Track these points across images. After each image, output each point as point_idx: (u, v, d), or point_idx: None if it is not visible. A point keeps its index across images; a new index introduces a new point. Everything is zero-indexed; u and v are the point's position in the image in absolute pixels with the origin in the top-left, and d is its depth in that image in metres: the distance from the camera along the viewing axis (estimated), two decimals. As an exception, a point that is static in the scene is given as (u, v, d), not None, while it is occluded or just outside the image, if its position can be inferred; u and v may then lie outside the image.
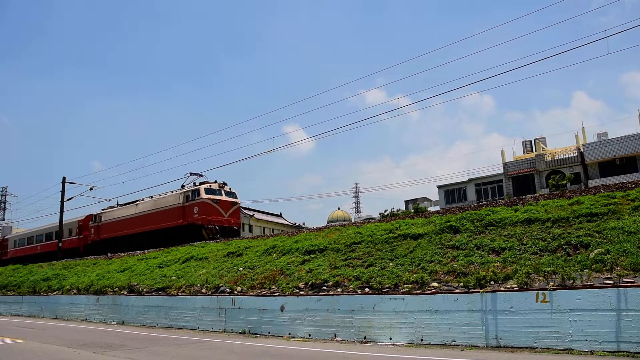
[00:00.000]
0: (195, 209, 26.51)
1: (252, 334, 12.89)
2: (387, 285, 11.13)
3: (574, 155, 36.91)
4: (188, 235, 26.03)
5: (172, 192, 29.90)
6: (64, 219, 35.78)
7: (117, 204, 35.14)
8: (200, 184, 27.99)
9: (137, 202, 31.75)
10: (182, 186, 29.27)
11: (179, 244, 24.23)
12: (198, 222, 26.31)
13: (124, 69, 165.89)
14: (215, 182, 28.12)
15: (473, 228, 12.20)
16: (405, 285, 10.88)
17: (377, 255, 12.74)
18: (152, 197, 31.48)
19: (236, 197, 28.86)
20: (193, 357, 9.63)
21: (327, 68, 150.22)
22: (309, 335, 11.69)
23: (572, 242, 9.97)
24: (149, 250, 25.60)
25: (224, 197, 27.75)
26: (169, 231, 27.65)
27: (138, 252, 25.91)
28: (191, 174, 29.32)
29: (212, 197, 27.16)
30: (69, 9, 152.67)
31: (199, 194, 26.98)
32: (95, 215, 35.62)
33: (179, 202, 27.77)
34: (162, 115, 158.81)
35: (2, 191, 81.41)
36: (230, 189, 28.64)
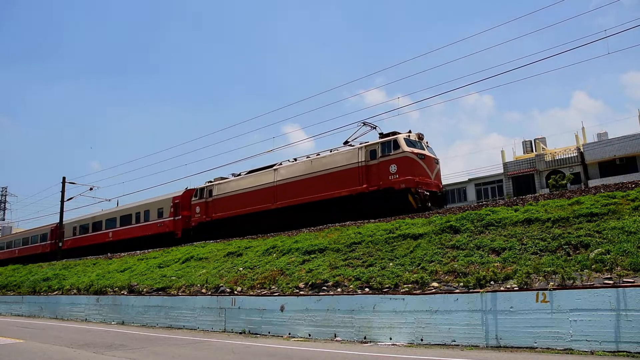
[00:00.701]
0: (393, 168, 18.66)
1: (252, 334, 12.89)
2: (387, 285, 11.13)
3: (574, 155, 36.91)
4: (377, 205, 18.79)
5: (330, 151, 21.65)
6: (159, 197, 30.08)
7: (232, 175, 26.53)
8: (385, 135, 20.12)
9: (275, 167, 23.40)
10: (346, 142, 21.62)
11: (358, 218, 18.24)
12: (399, 186, 18.31)
13: (124, 69, 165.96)
14: (410, 131, 19.93)
15: (473, 228, 12.20)
16: (405, 285, 10.89)
17: (377, 255, 12.75)
18: (295, 160, 23.22)
19: (435, 154, 20.71)
20: (193, 357, 9.64)
21: (327, 68, 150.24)
22: (309, 335, 11.69)
23: (572, 242, 9.97)
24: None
25: (427, 152, 19.72)
26: (340, 202, 19.98)
27: (138, 252, 25.90)
28: (364, 123, 21.58)
29: (415, 150, 19.03)
30: (69, 9, 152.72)
31: (397, 147, 18.84)
32: (202, 188, 26.96)
33: (359, 160, 19.75)
34: (162, 115, 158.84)
35: (2, 191, 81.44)
36: (427, 142, 20.49)
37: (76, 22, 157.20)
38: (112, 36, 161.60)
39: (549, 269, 9.26)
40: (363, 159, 19.75)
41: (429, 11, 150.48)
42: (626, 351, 7.59)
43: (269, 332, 12.56)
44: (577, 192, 13.17)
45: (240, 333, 13.14)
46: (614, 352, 7.68)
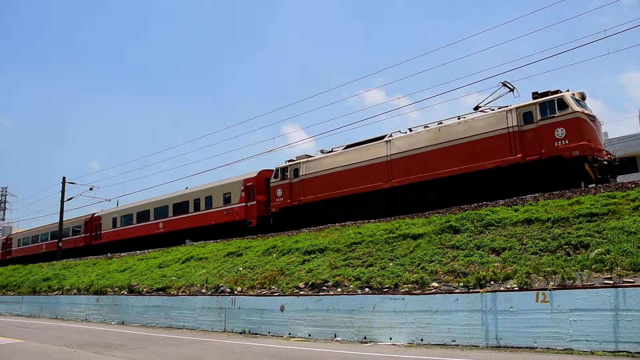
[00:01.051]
0: (559, 132, 15.23)
1: (252, 334, 12.90)
2: (387, 285, 11.14)
3: (574, 155, 36.77)
4: (537, 178, 15.56)
5: (458, 118, 18.14)
6: (224, 181, 26.01)
7: (322, 152, 22.26)
8: (541, 95, 16.38)
9: (387, 139, 19.44)
10: (477, 107, 18.29)
11: (508, 194, 15.32)
12: (571, 153, 14.94)
13: (124, 69, 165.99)
14: (568, 90, 16.27)
15: (473, 228, 12.20)
16: (405, 285, 10.89)
17: (377, 255, 12.75)
18: (410, 130, 19.38)
19: None
20: (193, 357, 9.64)
21: (327, 68, 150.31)
22: (309, 335, 11.70)
23: (572, 242, 9.98)
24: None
25: (594, 114, 16.14)
26: (482, 176, 16.61)
27: (138, 252, 25.91)
28: (504, 84, 18.09)
29: (586, 112, 15.63)
30: (69, 8, 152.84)
31: (564, 106, 15.42)
32: (284, 168, 22.60)
33: (509, 124, 16.29)
34: (162, 115, 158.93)
35: (2, 191, 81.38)
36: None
37: (77, 21, 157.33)
38: (112, 36, 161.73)
39: (549, 269, 9.27)
40: (515, 123, 16.30)
41: (429, 11, 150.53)
42: (626, 351, 7.60)
43: (269, 332, 12.56)
44: (577, 192, 13.17)
45: (240, 333, 13.15)
46: (614, 352, 7.68)
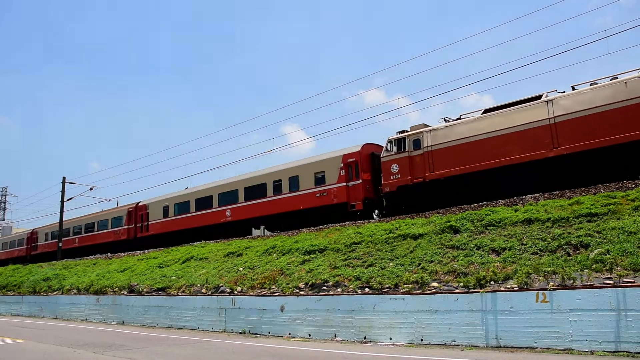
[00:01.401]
0: None
1: (252, 334, 12.90)
2: (387, 285, 11.14)
3: (574, 155, 36.63)
4: None
5: None
6: (315, 158, 22.44)
7: (445, 120, 18.74)
8: None
9: (546, 99, 15.89)
10: None
11: None
12: None
13: (123, 69, 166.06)
14: None
15: (473, 228, 12.21)
16: (405, 285, 10.90)
17: (377, 255, 12.76)
18: (573, 88, 15.79)
19: None
20: (193, 357, 9.65)
21: (327, 68, 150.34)
22: (309, 335, 11.70)
23: (572, 242, 9.98)
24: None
25: None
26: None
27: (138, 252, 25.91)
28: None
29: None
30: (70, 9, 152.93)
31: None
32: (399, 139, 19.01)
33: None
34: (162, 115, 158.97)
35: (2, 191, 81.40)
36: None
37: (78, 22, 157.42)
38: (112, 36, 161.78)
39: (549, 269, 9.27)
40: None
41: (429, 11, 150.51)
42: (626, 351, 7.61)
43: (269, 332, 12.57)
44: (577, 192, 13.17)
45: (241, 333, 13.15)
46: (614, 352, 7.69)
